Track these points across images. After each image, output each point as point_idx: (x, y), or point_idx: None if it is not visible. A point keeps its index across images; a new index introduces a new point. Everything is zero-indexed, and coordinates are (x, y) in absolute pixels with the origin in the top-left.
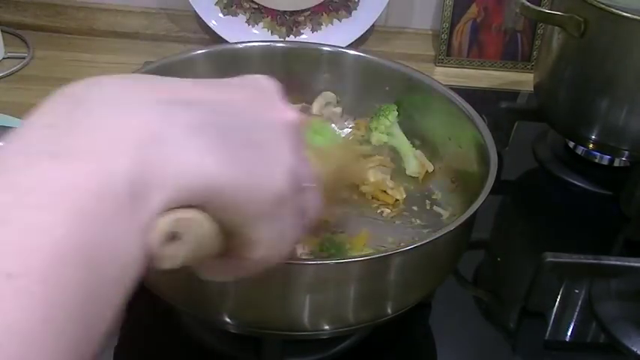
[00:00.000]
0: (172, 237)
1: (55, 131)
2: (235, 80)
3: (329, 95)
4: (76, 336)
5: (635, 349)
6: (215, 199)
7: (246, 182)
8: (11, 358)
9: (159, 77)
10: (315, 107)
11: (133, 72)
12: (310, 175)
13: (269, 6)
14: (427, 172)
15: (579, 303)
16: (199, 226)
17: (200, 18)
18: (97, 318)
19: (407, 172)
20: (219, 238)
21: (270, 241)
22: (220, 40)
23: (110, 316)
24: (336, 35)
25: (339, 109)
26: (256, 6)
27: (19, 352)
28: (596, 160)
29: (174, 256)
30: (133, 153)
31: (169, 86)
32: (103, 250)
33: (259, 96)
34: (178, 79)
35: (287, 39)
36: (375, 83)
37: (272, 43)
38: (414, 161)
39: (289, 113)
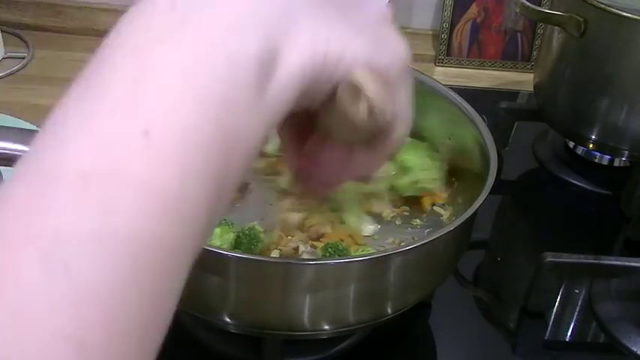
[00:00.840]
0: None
1: (175, 14)
2: None
3: None
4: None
5: (635, 349)
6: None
7: (378, 53)
8: (148, 210)
9: None
10: None
11: None
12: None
13: None
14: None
15: (579, 303)
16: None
17: None
18: (223, 196)
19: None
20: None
21: (406, 111)
22: None
23: (230, 186)
24: None
25: None
26: None
27: (153, 207)
28: (596, 160)
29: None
30: (261, 31)
31: None
32: (233, 117)
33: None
34: None
35: None
36: None
37: None
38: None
39: (387, 9)
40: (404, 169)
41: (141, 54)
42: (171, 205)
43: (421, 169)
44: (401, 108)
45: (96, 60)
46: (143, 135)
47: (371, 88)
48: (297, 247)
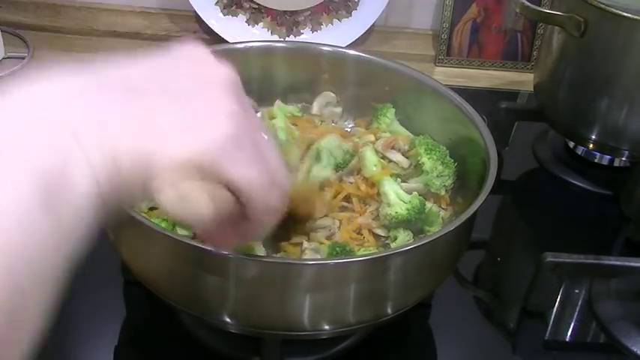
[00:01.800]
0: (183, 195)
1: None
2: (163, 52)
3: (329, 95)
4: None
5: (635, 349)
6: (156, 165)
7: (179, 142)
8: None
9: (80, 68)
10: (315, 107)
11: None
12: (259, 123)
13: (269, 6)
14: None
15: (579, 303)
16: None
17: (200, 18)
18: (23, 307)
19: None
20: (222, 190)
21: (244, 177)
22: (220, 40)
23: (38, 303)
24: (336, 35)
25: (339, 109)
26: (256, 6)
27: None
28: (596, 160)
29: (203, 207)
30: (46, 140)
31: (86, 73)
32: (23, 242)
33: (186, 59)
34: (98, 64)
35: (287, 39)
36: (375, 83)
37: (272, 43)
38: None
39: (220, 70)
40: (419, 170)
41: None
42: None
43: (435, 175)
44: (240, 176)
45: None
46: None
47: (162, 201)
48: (301, 243)
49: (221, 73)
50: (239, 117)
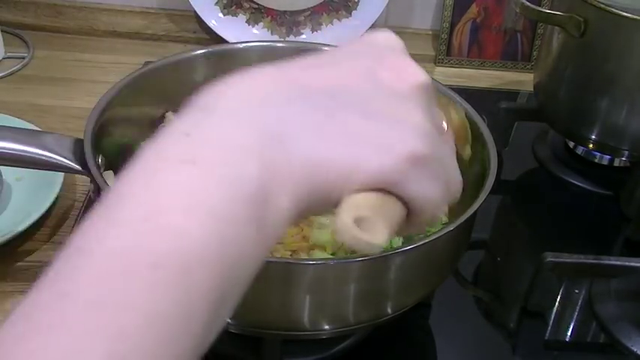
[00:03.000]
0: (361, 220)
1: (189, 139)
2: (351, 46)
3: None
4: (194, 332)
5: (635, 349)
6: (355, 182)
7: (377, 158)
8: (145, 343)
9: (272, 66)
10: None
11: (133, 72)
12: (444, 127)
13: (269, 6)
14: None
15: (579, 303)
16: (372, 199)
17: (200, 18)
18: (219, 312)
19: None
20: (395, 204)
21: (426, 196)
22: (220, 40)
23: (227, 314)
24: (336, 35)
25: None
26: (256, 6)
27: (152, 340)
28: (596, 160)
29: (379, 232)
30: (258, 158)
31: (280, 75)
32: (233, 252)
33: (378, 60)
34: (289, 62)
35: (287, 39)
36: None
37: (272, 43)
38: None
39: (412, 74)
40: None
41: (151, 192)
42: (173, 326)
43: None
44: (422, 192)
45: (116, 191)
46: (151, 268)
47: (345, 234)
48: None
49: (418, 79)
50: (432, 134)
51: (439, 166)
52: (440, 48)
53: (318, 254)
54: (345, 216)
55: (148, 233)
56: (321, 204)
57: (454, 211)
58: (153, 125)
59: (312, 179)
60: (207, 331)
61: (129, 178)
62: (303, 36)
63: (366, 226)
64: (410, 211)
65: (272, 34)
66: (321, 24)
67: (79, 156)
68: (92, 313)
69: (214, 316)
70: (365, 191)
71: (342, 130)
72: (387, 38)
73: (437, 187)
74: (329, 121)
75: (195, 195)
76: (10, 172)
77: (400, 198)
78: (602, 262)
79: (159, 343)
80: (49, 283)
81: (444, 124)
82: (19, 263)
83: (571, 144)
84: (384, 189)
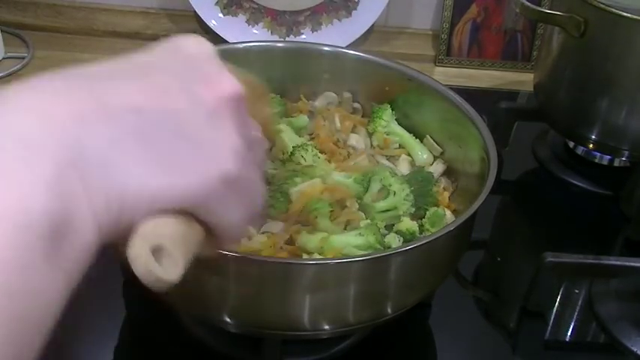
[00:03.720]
0: (158, 250)
1: None
2: (162, 53)
3: (330, 96)
4: None
5: (635, 349)
6: (157, 206)
7: (182, 180)
8: None
9: (71, 75)
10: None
11: None
12: (256, 137)
13: (269, 6)
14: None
15: (579, 303)
16: (172, 226)
17: (200, 18)
18: (23, 345)
19: (417, 164)
20: (196, 228)
21: (231, 219)
22: (220, 40)
23: (37, 343)
24: (336, 35)
25: (358, 106)
26: (256, 6)
27: None
28: (596, 160)
29: (174, 266)
30: (52, 189)
31: (90, 89)
32: (25, 298)
33: (191, 72)
34: (97, 67)
35: (287, 39)
36: (375, 83)
37: (272, 43)
38: (422, 151)
39: (225, 85)
40: (387, 193)
41: None
42: None
43: (402, 198)
44: (228, 213)
45: None
46: None
47: (138, 266)
48: None
49: (229, 90)
50: (242, 153)
51: (247, 186)
52: (440, 48)
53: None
54: (140, 245)
55: None
56: (126, 229)
57: (457, 211)
58: None
59: (116, 206)
60: None
61: None
62: (303, 36)
63: (164, 257)
64: (211, 234)
65: (272, 34)
66: (321, 24)
67: None
68: None
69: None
70: (166, 214)
71: (149, 152)
72: (199, 45)
73: (242, 209)
74: (136, 144)
75: None
76: None
77: (202, 221)
78: (602, 262)
79: None
80: None
81: (257, 133)
82: None
83: (571, 144)
84: (185, 212)
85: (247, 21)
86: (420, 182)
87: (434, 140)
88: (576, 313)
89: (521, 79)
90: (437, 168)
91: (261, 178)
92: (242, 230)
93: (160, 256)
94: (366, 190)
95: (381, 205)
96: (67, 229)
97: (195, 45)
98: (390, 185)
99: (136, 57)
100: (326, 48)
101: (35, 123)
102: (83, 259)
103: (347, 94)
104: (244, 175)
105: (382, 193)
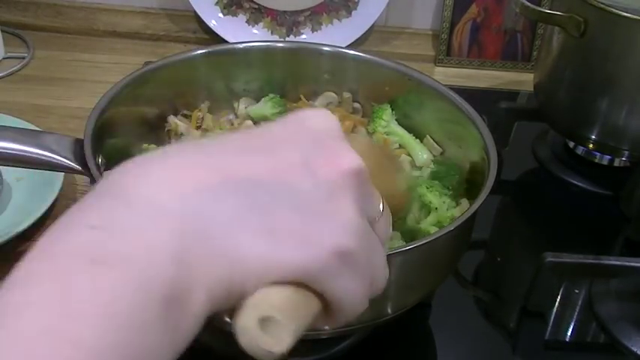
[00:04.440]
0: (266, 320)
1: (100, 234)
2: (286, 128)
3: (330, 96)
4: None
5: (635, 349)
6: (272, 276)
7: (295, 253)
8: None
9: (199, 147)
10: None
11: (133, 72)
12: (379, 211)
13: (269, 6)
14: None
15: (579, 303)
16: (284, 296)
17: (200, 18)
18: None
19: (417, 164)
20: (311, 300)
21: (348, 294)
22: (220, 40)
23: None
24: (336, 35)
25: (358, 106)
26: (256, 6)
27: None
28: (596, 160)
29: (283, 336)
30: (173, 256)
31: (211, 162)
32: (136, 355)
33: (313, 147)
34: (220, 142)
35: (287, 39)
36: (375, 83)
37: (272, 43)
38: (422, 151)
39: (346, 160)
40: (428, 210)
41: (57, 298)
42: None
43: (444, 210)
44: (345, 289)
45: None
46: None
47: (245, 338)
48: None
49: (352, 166)
50: (361, 227)
51: (366, 262)
52: (440, 48)
53: None
54: (250, 314)
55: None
56: (237, 297)
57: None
58: (153, 125)
59: (231, 275)
60: None
61: (34, 275)
62: (303, 36)
63: (272, 328)
64: (328, 307)
65: (272, 34)
66: (321, 24)
67: (79, 156)
68: None
69: None
70: (281, 285)
71: (267, 224)
72: (325, 120)
73: (360, 285)
74: (258, 217)
75: (101, 301)
76: (10, 173)
77: (318, 293)
78: (602, 262)
79: None
80: None
81: (381, 207)
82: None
83: (571, 144)
84: (302, 283)
85: (247, 21)
86: (451, 175)
87: (434, 140)
88: (576, 313)
89: (521, 79)
90: None
91: (383, 252)
92: (361, 304)
93: (268, 326)
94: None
95: (427, 224)
96: (184, 296)
97: (321, 120)
98: (430, 202)
99: (262, 130)
100: (326, 48)
101: (165, 191)
102: (193, 329)
103: (347, 94)
104: (363, 249)
105: (423, 211)
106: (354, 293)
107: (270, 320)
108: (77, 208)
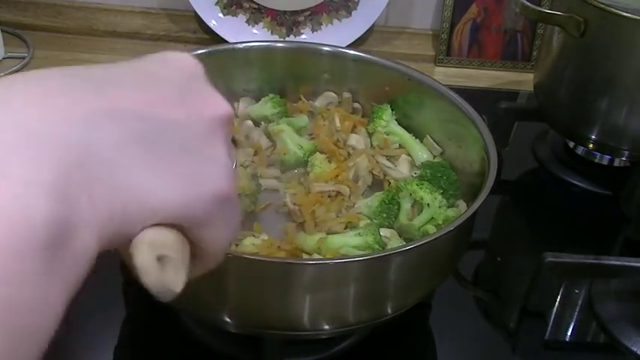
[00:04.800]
0: (161, 259)
1: None
2: (156, 66)
3: (330, 96)
4: None
5: (635, 349)
6: (159, 216)
7: (186, 192)
8: None
9: (80, 75)
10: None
11: None
12: (234, 161)
13: (269, 6)
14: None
15: (579, 303)
16: (173, 237)
17: (200, 18)
18: (22, 356)
19: (417, 164)
20: (186, 244)
21: (219, 239)
22: (220, 40)
23: (36, 353)
24: (336, 35)
25: (358, 106)
26: (256, 6)
27: None
28: (596, 160)
29: (179, 275)
30: (57, 189)
31: (93, 89)
32: (22, 305)
33: (188, 86)
34: (98, 69)
35: (287, 39)
36: (375, 83)
37: (272, 43)
38: (422, 151)
39: (219, 106)
40: (420, 207)
41: None
42: None
43: (436, 207)
44: (219, 233)
45: None
46: None
47: (147, 274)
48: None
49: (223, 111)
50: (232, 173)
51: (234, 207)
52: (440, 48)
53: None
54: (147, 253)
55: None
56: (125, 237)
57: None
58: None
59: (119, 213)
60: None
61: None
62: (303, 36)
63: (168, 267)
64: (196, 254)
65: (272, 34)
66: (321, 24)
67: None
68: None
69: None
70: (163, 227)
71: (155, 160)
72: (189, 62)
73: (228, 229)
74: (142, 150)
75: None
76: None
77: (191, 239)
78: (602, 262)
79: None
80: None
81: (234, 157)
82: None
83: (571, 144)
84: (178, 227)
85: (247, 21)
86: (438, 177)
87: (434, 140)
88: (576, 313)
89: (521, 79)
90: None
91: (238, 204)
92: (222, 255)
93: (165, 265)
94: (398, 210)
95: (419, 221)
96: (69, 236)
97: (186, 62)
98: (422, 199)
99: (135, 64)
100: (326, 48)
101: (36, 117)
102: (83, 267)
103: (347, 94)
104: (233, 195)
105: (415, 208)
106: (223, 237)
107: (166, 259)
108: None
